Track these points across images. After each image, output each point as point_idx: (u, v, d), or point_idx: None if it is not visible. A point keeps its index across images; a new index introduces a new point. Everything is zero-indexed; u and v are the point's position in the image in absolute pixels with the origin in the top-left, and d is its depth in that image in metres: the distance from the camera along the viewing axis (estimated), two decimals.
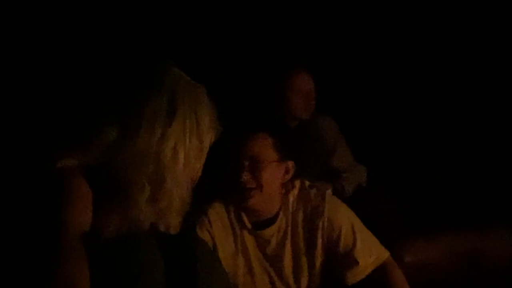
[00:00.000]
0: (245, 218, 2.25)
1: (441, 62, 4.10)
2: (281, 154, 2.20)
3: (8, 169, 1.78)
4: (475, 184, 3.62)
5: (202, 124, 1.63)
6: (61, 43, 3.60)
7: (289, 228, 2.27)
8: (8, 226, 1.56)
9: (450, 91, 4.10)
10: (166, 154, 1.57)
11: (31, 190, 1.55)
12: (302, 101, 3.12)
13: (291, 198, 2.28)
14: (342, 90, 3.95)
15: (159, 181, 1.57)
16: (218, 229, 2.25)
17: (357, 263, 2.26)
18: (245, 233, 2.26)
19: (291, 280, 2.27)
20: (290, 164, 2.23)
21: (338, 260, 2.28)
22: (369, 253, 2.29)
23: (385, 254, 2.32)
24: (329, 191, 2.38)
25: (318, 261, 2.28)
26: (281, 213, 2.26)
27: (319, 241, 2.26)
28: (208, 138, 1.66)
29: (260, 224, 2.26)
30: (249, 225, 2.25)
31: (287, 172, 2.24)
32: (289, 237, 2.26)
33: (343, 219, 2.28)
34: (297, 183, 2.31)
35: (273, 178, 2.19)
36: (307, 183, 2.34)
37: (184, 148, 1.60)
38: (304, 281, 2.28)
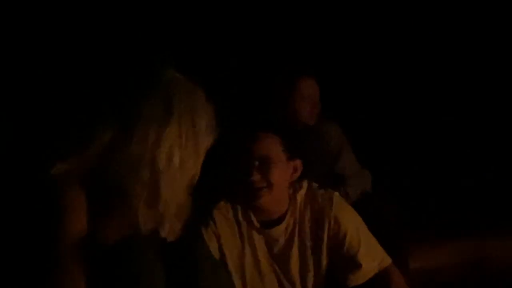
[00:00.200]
0: (253, 218, 2.27)
1: (441, 62, 4.10)
2: (289, 154, 2.22)
3: (2, 177, 1.78)
4: (480, 190, 3.60)
5: (199, 127, 1.61)
6: (56, 47, 3.59)
7: (297, 227, 2.28)
8: (3, 236, 1.55)
9: (450, 91, 4.10)
10: (161, 159, 1.55)
11: (25, 199, 1.54)
12: (307, 107, 3.11)
13: (298, 198, 2.30)
14: (342, 90, 3.95)
15: (155, 187, 1.56)
16: (223, 229, 2.26)
17: (360, 266, 2.27)
18: (254, 232, 2.27)
19: (297, 280, 2.28)
20: (298, 163, 2.26)
21: (342, 262, 2.29)
22: (373, 257, 2.30)
23: (388, 260, 2.33)
24: (336, 193, 2.35)
25: (324, 261, 2.29)
26: (289, 212, 2.28)
27: (325, 241, 2.27)
28: (205, 142, 1.64)
29: (268, 224, 2.27)
30: (257, 224, 2.26)
31: (295, 171, 2.26)
32: (296, 236, 2.28)
33: (349, 222, 2.30)
34: (305, 184, 2.32)
35: (282, 177, 2.21)
36: (314, 184, 2.36)
37: (180, 152, 1.58)
38: (310, 281, 2.28)
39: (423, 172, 3.89)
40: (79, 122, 1.60)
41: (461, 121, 4.08)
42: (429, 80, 4.13)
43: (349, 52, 4.12)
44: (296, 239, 2.27)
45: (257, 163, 2.17)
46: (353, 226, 2.29)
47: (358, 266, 2.27)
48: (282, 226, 2.27)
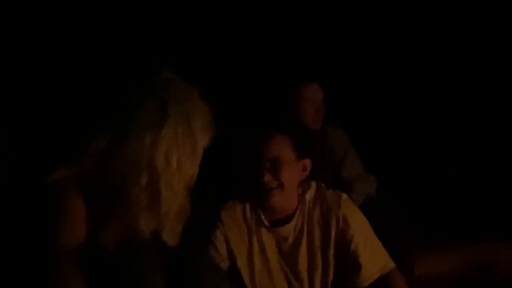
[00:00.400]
0: (263, 217, 2.31)
1: (441, 62, 4.10)
2: (298, 153, 2.26)
3: (2, 183, 1.78)
4: (485, 195, 3.60)
5: (195, 127, 1.60)
6: (54, 50, 3.58)
7: (305, 226, 2.31)
8: (3, 240, 1.55)
9: (450, 91, 4.10)
10: (158, 161, 1.55)
11: (25, 204, 1.54)
12: (312, 112, 3.11)
13: (307, 198, 2.33)
14: (342, 90, 3.95)
15: (154, 190, 1.55)
16: (231, 229, 2.30)
17: (364, 269, 2.30)
18: (263, 231, 2.30)
19: (305, 278, 2.31)
20: (307, 161, 2.29)
21: (346, 263, 2.32)
22: (376, 261, 2.33)
23: (391, 264, 2.36)
24: (345, 194, 2.37)
25: (332, 260, 2.32)
26: (298, 211, 2.31)
27: (333, 239, 2.30)
28: (202, 142, 1.63)
29: (277, 222, 2.31)
30: (266, 223, 2.30)
31: (304, 169, 2.30)
32: (305, 235, 2.31)
33: (357, 223, 2.33)
34: (313, 184, 2.36)
35: (293, 177, 2.25)
36: (323, 185, 2.40)
37: (177, 154, 1.58)
38: (318, 279, 2.31)
39: (427, 176, 3.89)
40: (76, 127, 1.60)
41: (461, 121, 4.07)
42: (429, 80, 4.13)
43: (349, 52, 4.11)
44: (304, 237, 2.30)
45: (268, 164, 2.21)
46: (360, 227, 2.33)
47: (361, 268, 2.30)
48: (291, 224, 2.30)
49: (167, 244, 1.61)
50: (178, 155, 1.57)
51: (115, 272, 1.52)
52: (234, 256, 2.29)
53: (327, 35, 4.09)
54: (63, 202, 1.51)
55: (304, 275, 2.31)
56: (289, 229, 2.30)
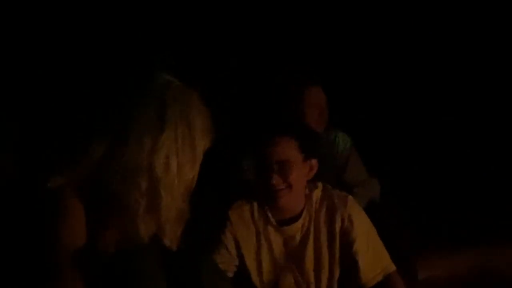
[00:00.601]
0: (270, 216, 2.36)
1: (441, 62, 4.10)
2: (304, 154, 2.31)
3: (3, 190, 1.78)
4: (489, 199, 3.60)
5: (195, 130, 1.60)
6: (51, 54, 3.57)
7: (312, 225, 2.36)
8: (4, 247, 1.55)
9: (450, 91, 4.10)
10: (158, 166, 1.55)
11: (25, 211, 1.54)
12: (315, 115, 3.12)
13: (314, 197, 2.38)
14: (342, 90, 3.95)
15: (154, 195, 1.55)
16: (239, 228, 2.35)
17: (364, 270, 2.34)
18: (270, 230, 2.36)
19: (312, 276, 2.36)
20: (314, 162, 2.34)
21: (348, 263, 2.36)
22: (378, 264, 2.37)
23: (391, 267, 2.39)
24: (351, 196, 2.42)
25: (338, 259, 2.36)
26: (305, 211, 2.36)
27: (338, 238, 2.35)
28: (202, 145, 1.63)
29: (284, 222, 2.36)
30: (274, 222, 2.35)
31: (311, 169, 2.35)
32: (311, 234, 2.35)
33: (362, 224, 2.37)
34: (320, 184, 2.41)
35: (300, 177, 2.31)
36: (329, 186, 2.45)
37: (177, 158, 1.57)
38: (325, 278, 2.36)
39: (428, 178, 3.88)
40: (76, 131, 1.59)
41: (461, 121, 4.07)
42: (429, 80, 4.13)
43: (349, 52, 4.11)
44: (311, 236, 2.35)
45: (276, 166, 2.26)
46: (364, 229, 2.37)
47: (361, 270, 2.34)
48: (298, 223, 2.35)
49: (167, 248, 1.60)
50: (178, 159, 1.57)
51: (115, 276, 1.52)
52: (243, 255, 2.33)
53: (327, 35, 4.09)
54: (63, 207, 1.51)
55: (311, 274, 2.36)
56: (296, 228, 2.35)
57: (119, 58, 3.53)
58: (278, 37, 4.02)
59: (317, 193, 2.39)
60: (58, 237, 1.49)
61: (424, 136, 4.10)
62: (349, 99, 3.98)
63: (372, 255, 2.35)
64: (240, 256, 2.34)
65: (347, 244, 2.34)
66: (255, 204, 2.37)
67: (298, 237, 2.35)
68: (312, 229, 2.36)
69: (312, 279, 2.35)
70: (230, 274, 2.31)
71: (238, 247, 2.34)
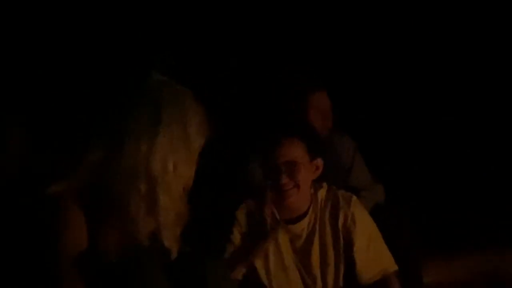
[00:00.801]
0: (277, 215, 2.43)
1: (441, 62, 4.09)
2: (311, 154, 2.38)
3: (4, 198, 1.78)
4: (494, 202, 3.59)
5: (190, 130, 1.59)
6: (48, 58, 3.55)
7: (317, 223, 2.43)
8: (5, 255, 1.55)
9: (450, 91, 4.09)
10: (155, 168, 1.55)
11: (22, 218, 1.54)
12: (319, 119, 3.12)
13: (319, 196, 2.45)
14: (342, 90, 3.94)
15: (153, 197, 1.55)
16: (247, 227, 2.43)
17: (361, 269, 2.40)
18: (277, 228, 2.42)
19: (318, 274, 2.42)
20: (319, 161, 2.42)
21: (349, 261, 2.42)
22: (377, 264, 2.43)
23: (393, 268, 2.44)
24: (355, 196, 2.48)
25: (343, 256, 2.42)
26: (310, 209, 2.43)
27: (341, 235, 2.41)
28: (197, 144, 1.62)
29: (290, 221, 2.43)
30: (280, 220, 2.41)
31: (317, 169, 2.42)
32: (317, 232, 2.42)
33: (363, 224, 2.43)
34: (325, 184, 2.49)
35: (307, 176, 2.39)
36: (334, 187, 2.51)
37: (173, 158, 1.57)
38: (331, 274, 2.42)
39: (433, 181, 3.88)
40: (72, 137, 1.59)
41: (461, 121, 4.07)
42: (429, 80, 4.13)
43: (349, 52, 4.11)
44: (317, 234, 2.42)
45: (284, 167, 2.33)
46: (366, 228, 2.44)
47: (359, 268, 2.40)
48: (305, 222, 2.42)
49: (168, 249, 1.60)
50: (174, 160, 1.57)
51: (117, 279, 1.52)
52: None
53: (327, 35, 4.09)
54: (64, 213, 1.51)
55: (317, 271, 2.42)
56: (302, 227, 2.42)
57: (119, 59, 3.52)
58: (278, 37, 4.02)
59: (322, 193, 2.46)
60: (60, 243, 1.49)
61: (424, 137, 4.10)
62: (349, 99, 3.98)
63: (373, 255, 2.41)
64: None
65: (348, 242, 2.40)
66: (262, 204, 2.42)
67: (304, 235, 2.42)
68: (317, 227, 2.42)
69: (318, 276, 2.41)
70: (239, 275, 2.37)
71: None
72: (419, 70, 4.13)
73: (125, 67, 3.27)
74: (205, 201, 2.23)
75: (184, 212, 1.61)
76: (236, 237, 2.40)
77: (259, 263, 2.40)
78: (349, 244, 2.40)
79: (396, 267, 2.43)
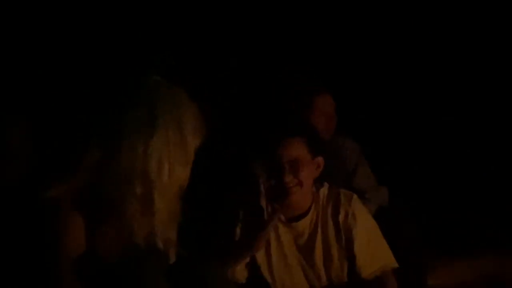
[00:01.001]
0: (275, 206, 2.44)
1: (441, 62, 4.09)
2: (312, 152, 2.45)
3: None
4: (500, 205, 3.59)
5: (186, 131, 1.59)
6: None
7: (319, 221, 2.48)
8: (4, 258, 1.54)
9: (450, 91, 4.09)
10: (151, 170, 1.55)
11: (22, 220, 1.53)
12: (323, 122, 3.13)
13: (321, 194, 2.51)
14: (342, 89, 3.94)
15: (149, 198, 1.55)
16: (246, 223, 2.45)
17: (362, 266, 2.45)
18: (280, 226, 2.46)
19: (321, 270, 2.46)
20: (320, 159, 2.48)
21: (351, 257, 2.47)
22: (376, 261, 2.47)
23: (391, 265, 2.48)
24: (355, 195, 2.52)
25: (345, 252, 2.46)
26: (312, 207, 2.48)
27: (342, 232, 2.46)
28: (193, 144, 1.62)
29: (293, 219, 2.48)
30: (283, 219, 2.46)
31: (318, 167, 2.48)
32: (319, 230, 2.47)
33: (364, 222, 2.48)
34: (326, 184, 2.54)
35: (309, 174, 2.44)
36: (335, 185, 2.56)
37: (169, 160, 1.57)
38: (335, 272, 2.46)
39: (438, 183, 3.87)
40: (68, 139, 1.59)
41: (461, 121, 4.07)
42: (429, 80, 4.13)
43: (349, 52, 4.11)
44: (319, 231, 2.47)
45: (288, 166, 2.39)
46: (366, 226, 2.49)
47: (360, 266, 2.45)
48: (307, 220, 2.47)
49: (166, 251, 1.60)
50: (170, 161, 1.57)
51: (116, 282, 1.52)
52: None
53: (327, 35, 4.09)
54: (63, 216, 1.51)
55: (321, 267, 2.46)
56: (305, 224, 2.47)
57: (118, 59, 3.52)
58: (278, 37, 4.01)
59: (324, 191, 2.51)
60: (59, 245, 1.49)
61: (424, 137, 4.10)
62: (348, 100, 3.98)
63: (373, 251, 2.46)
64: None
65: (349, 238, 2.45)
66: (258, 197, 2.47)
67: (307, 233, 2.47)
68: (320, 225, 2.47)
69: (322, 273, 2.46)
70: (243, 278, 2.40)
71: None
72: (419, 70, 4.13)
73: (124, 67, 3.27)
74: (202, 201, 2.25)
75: (177, 211, 1.61)
76: (236, 233, 2.44)
77: (262, 261, 2.44)
78: (350, 241, 2.45)
79: (396, 264, 2.47)
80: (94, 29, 3.68)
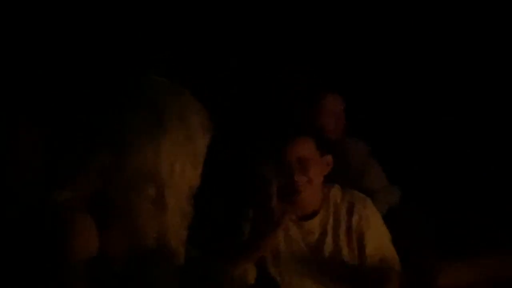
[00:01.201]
0: (284, 207, 2.43)
1: (441, 62, 4.10)
2: (320, 151, 2.47)
3: (11, 204, 1.77)
4: (500, 206, 3.59)
5: (193, 129, 1.58)
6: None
7: (330, 220, 2.49)
8: (14, 264, 1.54)
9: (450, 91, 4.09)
10: (163, 172, 1.54)
11: (31, 225, 1.53)
12: (332, 122, 3.14)
13: (332, 195, 2.52)
14: (342, 89, 3.94)
15: (161, 200, 1.54)
16: (255, 223, 2.42)
17: (372, 267, 2.45)
18: (290, 225, 2.47)
19: (330, 271, 2.45)
20: (329, 158, 2.50)
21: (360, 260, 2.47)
22: (385, 263, 2.47)
23: (397, 267, 2.48)
24: (369, 199, 2.53)
25: (356, 253, 2.47)
26: (323, 207, 2.50)
27: (354, 234, 2.46)
28: (202, 141, 1.62)
29: (302, 218, 2.49)
30: (293, 217, 2.46)
31: (327, 164, 2.50)
32: (330, 230, 2.48)
33: (377, 227, 2.49)
34: (337, 185, 2.56)
35: (318, 172, 2.46)
36: (349, 188, 2.58)
37: (179, 159, 1.56)
38: (343, 272, 2.45)
39: (457, 191, 3.87)
40: (77, 142, 1.58)
41: (461, 121, 4.07)
42: (429, 80, 4.13)
43: (349, 52, 4.11)
44: (330, 232, 2.48)
45: (297, 164, 2.41)
46: (380, 230, 2.50)
47: (369, 268, 2.44)
48: (317, 219, 2.48)
49: (176, 253, 1.60)
50: (180, 161, 1.56)
51: (127, 285, 1.52)
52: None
53: (328, 35, 4.09)
54: (74, 221, 1.50)
55: (329, 268, 2.45)
56: (315, 223, 2.48)
57: (118, 59, 3.52)
58: (278, 37, 4.02)
59: (336, 192, 2.52)
60: (70, 250, 1.49)
61: (423, 137, 4.10)
62: (348, 100, 3.98)
63: (381, 258, 2.45)
64: None
65: (361, 242, 2.45)
66: (268, 197, 2.43)
67: (316, 232, 2.48)
68: (331, 224, 2.48)
69: (330, 272, 2.45)
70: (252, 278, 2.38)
71: None
72: (419, 71, 4.13)
73: (124, 68, 3.27)
74: (210, 202, 2.26)
75: (188, 211, 1.61)
76: (245, 233, 2.42)
77: (270, 258, 2.44)
78: (361, 244, 2.45)
79: (399, 268, 2.47)
80: (95, 30, 3.68)
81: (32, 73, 3.43)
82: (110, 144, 1.54)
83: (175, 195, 1.56)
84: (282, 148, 2.42)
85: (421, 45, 4.12)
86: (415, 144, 4.05)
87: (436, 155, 4.04)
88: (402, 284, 2.47)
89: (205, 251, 1.95)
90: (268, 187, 2.39)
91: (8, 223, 1.60)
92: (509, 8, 3.98)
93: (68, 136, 1.62)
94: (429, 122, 4.12)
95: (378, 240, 2.46)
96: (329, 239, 2.46)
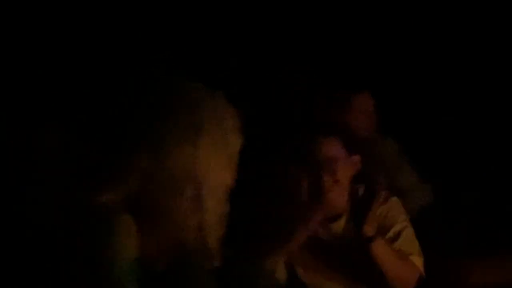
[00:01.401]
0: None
1: (441, 62, 4.10)
2: (348, 151, 2.49)
3: (51, 205, 1.77)
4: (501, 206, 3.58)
5: (229, 131, 1.61)
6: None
7: (356, 221, 2.48)
8: (58, 269, 1.54)
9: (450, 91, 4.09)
10: (199, 172, 1.56)
11: (74, 227, 1.53)
12: (362, 120, 3.14)
13: (359, 195, 2.54)
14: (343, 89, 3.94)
15: (199, 201, 1.56)
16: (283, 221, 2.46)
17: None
18: (317, 225, 2.47)
19: (355, 272, 2.47)
20: (357, 157, 2.52)
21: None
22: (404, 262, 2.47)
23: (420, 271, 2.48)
24: (395, 197, 2.55)
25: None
26: (349, 208, 2.52)
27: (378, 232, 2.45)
28: (236, 144, 1.63)
29: (330, 219, 2.51)
30: (321, 217, 2.46)
31: (355, 164, 2.52)
32: (356, 229, 2.46)
33: (402, 226, 2.50)
34: (363, 185, 2.58)
35: (346, 172, 2.49)
36: (374, 186, 2.60)
37: (216, 160, 1.58)
38: (367, 273, 2.45)
39: (491, 188, 3.86)
40: (114, 147, 1.58)
41: (461, 121, 4.07)
42: (429, 80, 4.13)
43: (349, 51, 4.12)
44: (355, 232, 2.46)
45: (325, 164, 2.44)
46: (406, 231, 2.49)
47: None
48: (343, 220, 2.52)
49: (213, 254, 1.61)
50: (217, 161, 1.58)
51: (167, 286, 1.53)
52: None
53: (328, 35, 4.09)
54: (114, 223, 1.51)
55: (355, 269, 2.47)
56: (342, 224, 2.51)
57: (119, 59, 3.52)
58: (278, 37, 4.02)
59: (361, 191, 2.54)
60: (111, 253, 1.49)
61: (424, 137, 4.10)
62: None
63: (401, 256, 2.44)
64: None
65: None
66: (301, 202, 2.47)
67: (343, 233, 2.49)
68: (356, 224, 2.46)
69: (356, 273, 2.47)
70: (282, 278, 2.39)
71: None
72: (419, 71, 4.13)
73: (124, 68, 3.26)
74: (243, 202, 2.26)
75: (225, 213, 1.62)
76: (277, 226, 2.43)
77: (296, 259, 2.44)
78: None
79: (422, 273, 2.46)
80: (96, 29, 3.68)
81: (62, 78, 3.43)
82: (149, 146, 1.55)
83: (213, 196, 1.58)
84: (310, 149, 2.42)
85: (421, 45, 4.13)
86: (407, 143, 4.05)
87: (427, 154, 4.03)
88: (426, 284, 2.47)
89: (239, 250, 1.95)
90: (299, 185, 2.42)
91: (35, 226, 1.60)
92: (509, 8, 3.98)
93: (107, 138, 1.62)
94: (429, 122, 4.12)
95: (403, 239, 2.46)
96: (354, 240, 2.45)
